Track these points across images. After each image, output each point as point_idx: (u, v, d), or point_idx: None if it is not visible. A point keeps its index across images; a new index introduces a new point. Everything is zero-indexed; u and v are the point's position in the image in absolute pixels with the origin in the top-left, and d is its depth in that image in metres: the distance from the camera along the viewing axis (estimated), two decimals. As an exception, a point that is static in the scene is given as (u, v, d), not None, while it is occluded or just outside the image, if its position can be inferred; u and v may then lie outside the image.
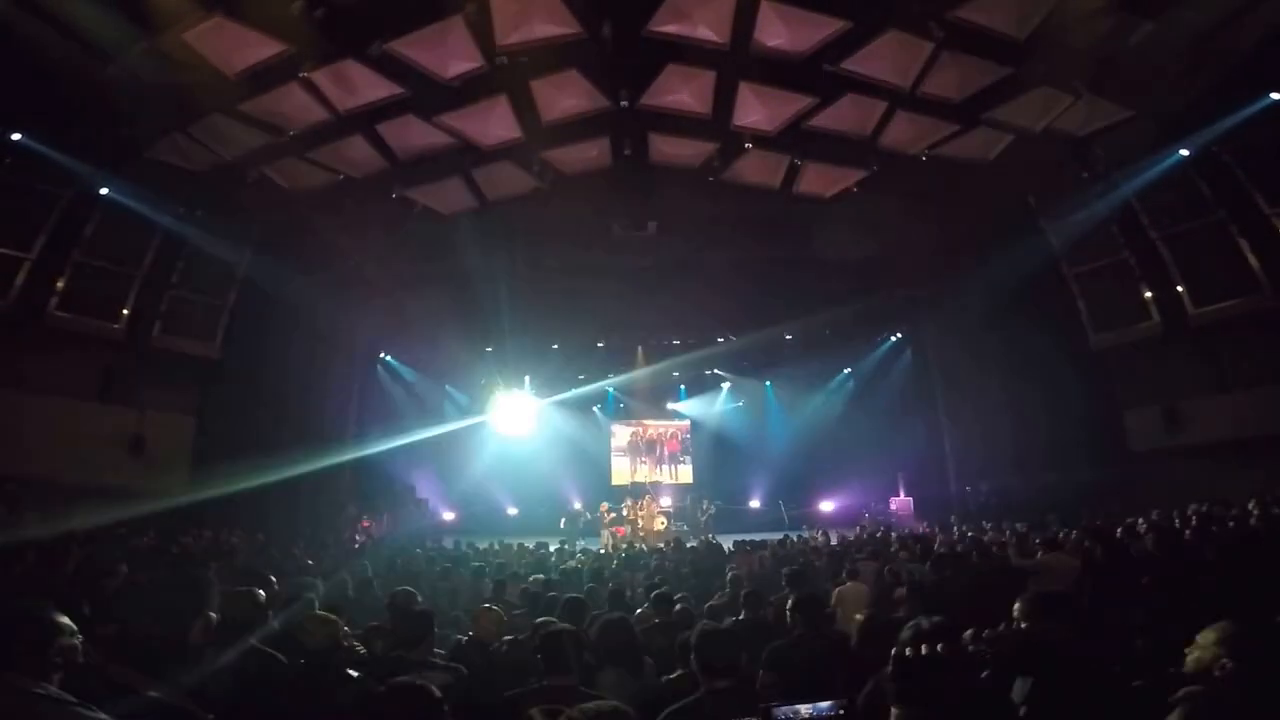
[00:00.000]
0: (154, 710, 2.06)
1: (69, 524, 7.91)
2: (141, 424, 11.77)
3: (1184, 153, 9.96)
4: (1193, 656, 2.04)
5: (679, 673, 3.15)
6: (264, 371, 12.51)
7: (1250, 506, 7.55)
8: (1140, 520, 7.65)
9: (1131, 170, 10.44)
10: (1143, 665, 2.46)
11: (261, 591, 3.16)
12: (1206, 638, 2.03)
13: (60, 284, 10.58)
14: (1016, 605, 2.48)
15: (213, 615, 2.69)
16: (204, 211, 11.36)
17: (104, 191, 10.38)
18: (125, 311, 11.45)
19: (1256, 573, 3.74)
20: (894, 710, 1.97)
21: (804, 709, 2.01)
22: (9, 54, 7.82)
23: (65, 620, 1.97)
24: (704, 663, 2.70)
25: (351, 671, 2.52)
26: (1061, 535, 7.14)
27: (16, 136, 9.17)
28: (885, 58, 8.47)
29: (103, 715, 1.84)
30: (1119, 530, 7.14)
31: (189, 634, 2.54)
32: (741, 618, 4.46)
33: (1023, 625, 2.41)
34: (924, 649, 1.98)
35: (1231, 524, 6.98)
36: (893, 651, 2.02)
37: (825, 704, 2.02)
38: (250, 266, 12.34)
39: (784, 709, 2.02)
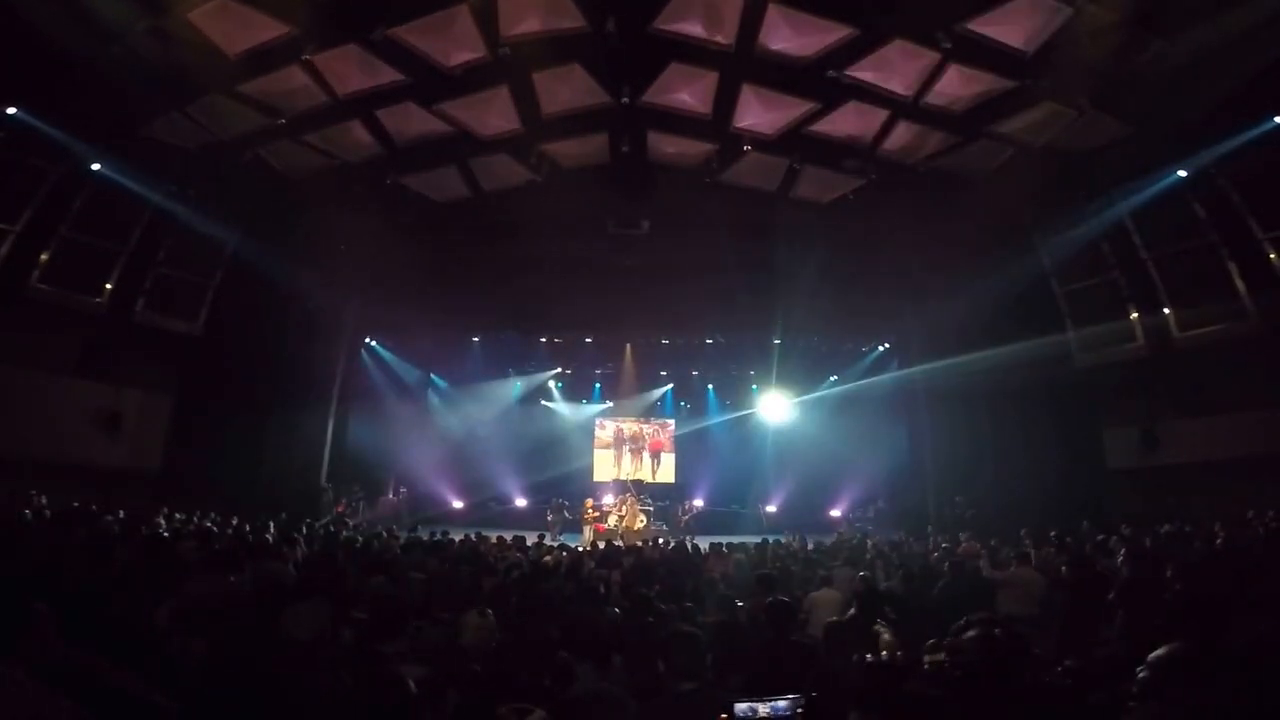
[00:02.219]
0: (117, 700, 2.04)
1: (38, 502, 7.79)
2: (119, 400, 11.60)
3: (1181, 174, 9.95)
4: (1143, 675, 2.10)
5: (647, 672, 3.17)
6: (246, 352, 12.36)
7: (1216, 528, 7.71)
8: (1112, 537, 7.79)
9: (1128, 189, 10.48)
10: (1100, 680, 2.52)
11: (234, 576, 3.14)
12: (1158, 657, 2.09)
13: (44, 257, 10.40)
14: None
15: (180, 600, 2.67)
16: (195, 190, 11.22)
17: (95, 167, 10.22)
18: (108, 286, 11.29)
19: (1213, 593, 3.83)
20: (853, 714, 2.05)
21: (762, 708, 2.11)
22: (7, 29, 7.67)
23: (38, 604, 1.95)
24: (671, 664, 2.73)
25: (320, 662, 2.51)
26: (1032, 550, 7.25)
27: (11, 110, 9.01)
28: (891, 66, 8.50)
29: (68, 701, 1.83)
30: (1088, 546, 7.28)
31: (154, 618, 2.52)
32: (712, 620, 4.51)
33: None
34: (886, 657, 2.06)
35: (1197, 544, 7.12)
36: (855, 659, 2.10)
37: (783, 703, 2.11)
38: (239, 246, 12.20)
39: (744, 706, 2.12)
